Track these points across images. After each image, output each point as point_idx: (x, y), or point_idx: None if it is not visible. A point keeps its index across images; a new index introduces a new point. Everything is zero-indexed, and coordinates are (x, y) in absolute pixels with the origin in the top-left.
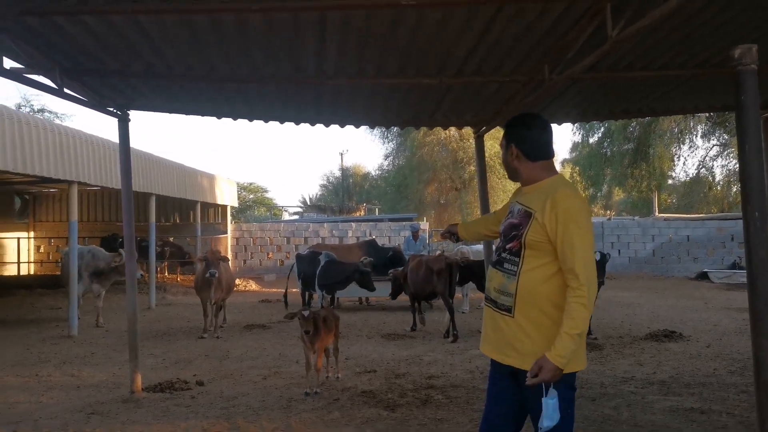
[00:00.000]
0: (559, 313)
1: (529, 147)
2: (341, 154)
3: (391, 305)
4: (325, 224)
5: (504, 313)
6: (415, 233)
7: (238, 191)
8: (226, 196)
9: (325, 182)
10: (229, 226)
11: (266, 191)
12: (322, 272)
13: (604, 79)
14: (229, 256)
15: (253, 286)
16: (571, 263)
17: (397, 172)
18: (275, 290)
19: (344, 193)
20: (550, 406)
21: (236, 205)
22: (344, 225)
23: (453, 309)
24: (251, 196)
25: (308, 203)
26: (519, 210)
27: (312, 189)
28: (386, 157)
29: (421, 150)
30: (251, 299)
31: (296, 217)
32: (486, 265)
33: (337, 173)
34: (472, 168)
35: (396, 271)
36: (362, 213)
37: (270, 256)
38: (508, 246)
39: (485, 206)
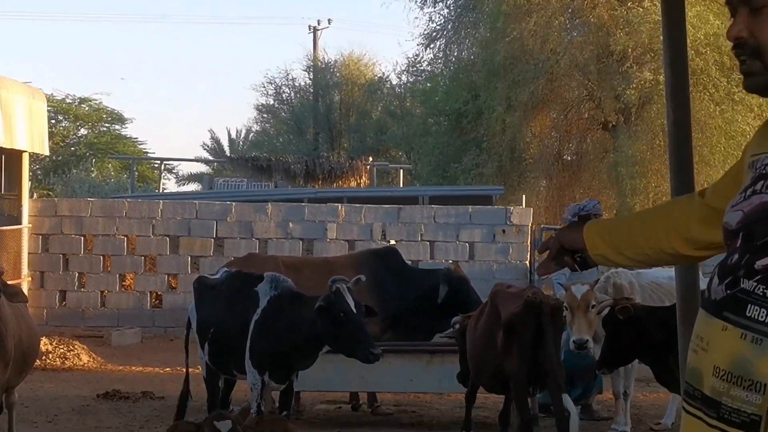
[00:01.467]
0: None
1: None
2: (314, 31)
3: (428, 410)
4: (270, 205)
5: None
6: (587, 217)
7: (53, 118)
8: (21, 128)
9: (271, 101)
10: (26, 206)
11: (125, 122)
12: (261, 326)
13: None
14: (26, 281)
15: (83, 357)
16: None
17: (454, 79)
18: (140, 368)
19: (320, 129)
20: None
21: (46, 152)
22: (317, 209)
23: (528, 417)
24: (84, 132)
25: (228, 153)
26: None
27: (238, 117)
28: (427, 41)
29: (517, 25)
30: (79, 389)
31: (196, 186)
32: (682, 315)
33: (304, 78)
34: (650, 74)
35: (466, 319)
36: (364, 180)
37: (128, 282)
38: (760, 263)
39: (683, 171)
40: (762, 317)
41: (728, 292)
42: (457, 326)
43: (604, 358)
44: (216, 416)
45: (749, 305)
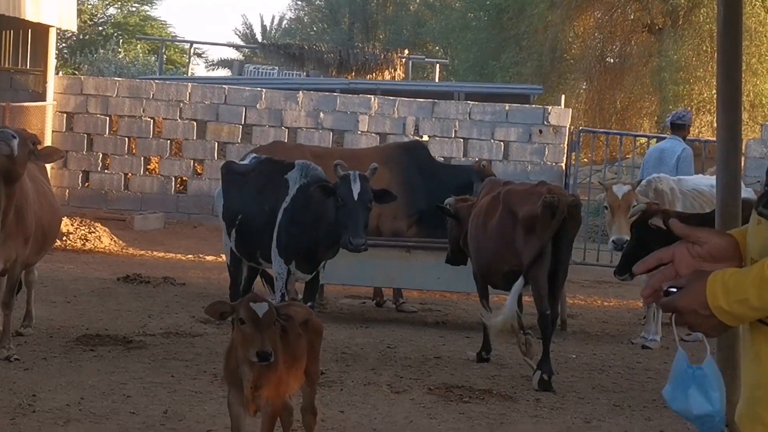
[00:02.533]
0: None
1: None
2: None
3: (454, 310)
4: (301, 94)
5: None
6: (682, 126)
7: None
8: (50, 1)
9: None
10: (52, 83)
11: (154, 2)
12: (289, 214)
13: None
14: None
15: (104, 240)
16: None
17: None
18: (162, 254)
19: (355, 19)
20: None
21: (74, 29)
22: (349, 100)
23: (551, 318)
24: (113, 12)
25: (261, 39)
26: None
27: (274, 5)
28: None
29: None
30: (99, 271)
31: (226, 72)
32: (722, 221)
33: None
34: None
35: (461, 202)
36: (398, 74)
37: (153, 166)
38: None
39: (730, 78)
40: None
41: (766, 188)
42: (450, 207)
43: (628, 263)
44: (252, 298)
45: None
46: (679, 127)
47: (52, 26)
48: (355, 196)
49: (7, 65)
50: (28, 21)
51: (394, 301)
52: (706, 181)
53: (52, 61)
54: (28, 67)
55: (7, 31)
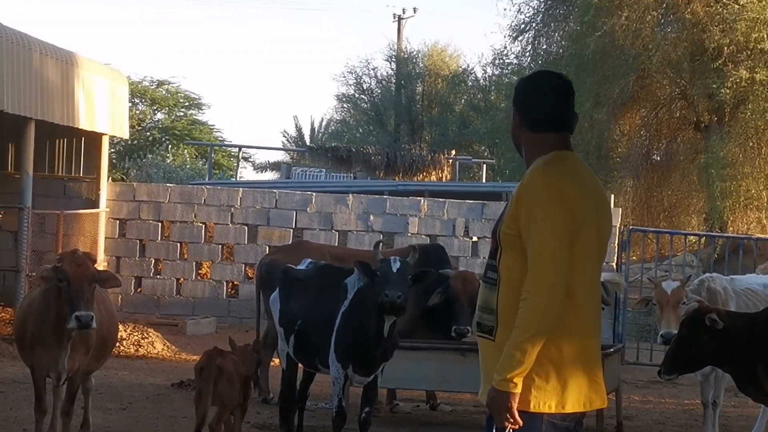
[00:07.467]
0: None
1: None
2: (398, 20)
3: None
4: (351, 197)
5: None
6: None
7: (130, 101)
8: (103, 110)
9: (352, 91)
10: (105, 190)
11: (202, 107)
12: (347, 317)
13: None
14: (101, 267)
15: (157, 345)
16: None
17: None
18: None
19: (401, 121)
20: None
21: (126, 136)
22: (399, 202)
23: None
24: (161, 117)
25: (308, 143)
26: None
27: (319, 108)
28: (515, 33)
29: (608, 19)
30: (153, 377)
31: (273, 175)
32: None
33: (385, 68)
34: (746, 72)
35: None
36: (446, 174)
37: (204, 270)
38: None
39: None
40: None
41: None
42: None
43: (675, 361)
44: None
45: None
46: None
47: (105, 134)
48: (394, 270)
49: (60, 173)
50: (81, 129)
51: (388, 402)
52: (759, 280)
53: (105, 169)
54: (81, 175)
55: (61, 140)
